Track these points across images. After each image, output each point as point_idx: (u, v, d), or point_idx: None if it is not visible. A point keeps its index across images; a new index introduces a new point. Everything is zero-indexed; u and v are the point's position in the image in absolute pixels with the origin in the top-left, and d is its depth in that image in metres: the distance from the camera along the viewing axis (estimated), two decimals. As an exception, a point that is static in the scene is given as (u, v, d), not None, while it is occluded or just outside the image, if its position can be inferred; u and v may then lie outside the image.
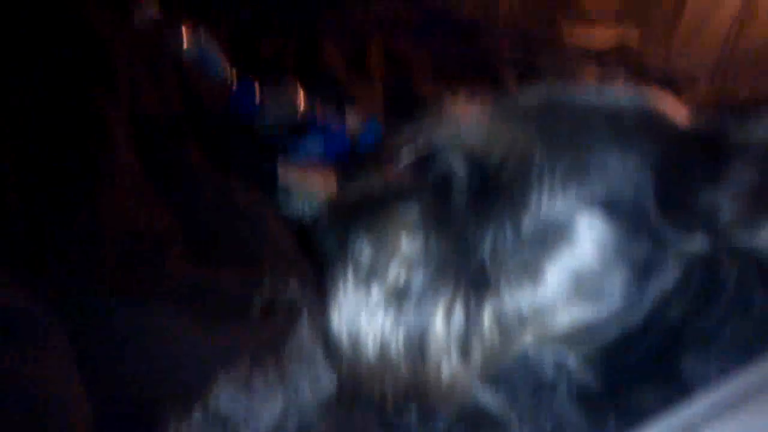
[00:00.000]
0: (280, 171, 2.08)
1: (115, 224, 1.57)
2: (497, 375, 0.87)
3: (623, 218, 0.79)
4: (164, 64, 2.25)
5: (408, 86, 2.98)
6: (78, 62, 1.92)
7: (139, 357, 1.27)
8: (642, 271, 0.80)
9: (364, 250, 0.86)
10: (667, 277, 0.80)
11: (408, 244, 0.85)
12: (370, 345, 0.84)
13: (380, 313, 0.84)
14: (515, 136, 0.82)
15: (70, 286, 1.38)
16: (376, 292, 0.85)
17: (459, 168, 0.85)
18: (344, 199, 0.94)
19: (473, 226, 0.82)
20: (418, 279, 0.84)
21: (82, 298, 1.33)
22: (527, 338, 0.84)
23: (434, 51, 3.69)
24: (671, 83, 3.32)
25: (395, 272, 0.84)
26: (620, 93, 0.84)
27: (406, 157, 0.91)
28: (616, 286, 0.80)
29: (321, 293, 0.88)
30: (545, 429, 0.86)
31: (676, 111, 0.84)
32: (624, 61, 3.94)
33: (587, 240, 0.79)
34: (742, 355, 0.81)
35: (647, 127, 0.81)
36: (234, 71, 2.67)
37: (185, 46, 2.59)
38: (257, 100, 2.32)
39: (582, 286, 0.80)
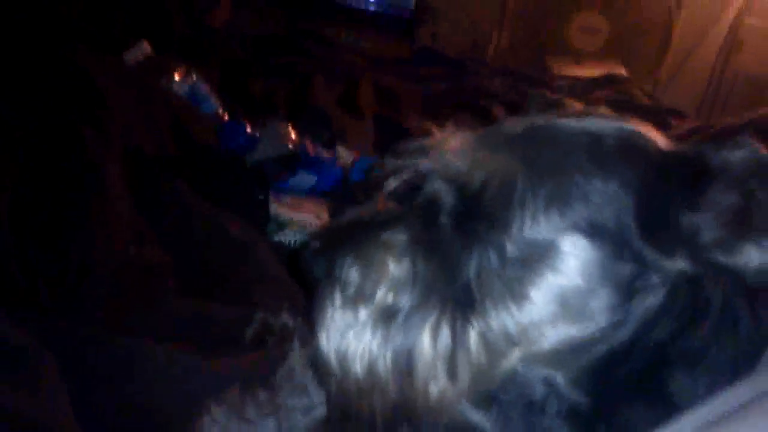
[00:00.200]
0: (272, 204, 2.09)
1: (107, 257, 1.58)
2: (488, 393, 0.88)
3: (606, 240, 0.80)
4: (155, 101, 2.27)
5: (398, 122, 3.01)
6: (70, 100, 1.95)
7: (131, 387, 1.26)
8: (626, 291, 0.81)
9: (351, 272, 0.87)
10: (652, 297, 0.81)
11: (395, 267, 0.86)
12: (358, 364, 0.85)
13: (368, 333, 0.85)
14: (498, 162, 0.83)
15: (63, 319, 1.38)
16: (364, 313, 0.86)
17: (444, 193, 0.87)
18: (333, 224, 0.96)
19: (458, 249, 0.84)
20: (405, 300, 0.85)
21: (74, 330, 1.33)
22: (514, 357, 0.84)
23: (424, 88, 3.73)
24: (658, 114, 3.36)
25: (383, 294, 0.85)
26: (601, 120, 0.86)
27: (393, 183, 0.92)
28: (600, 306, 0.81)
29: (311, 319, 0.90)
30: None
31: (655, 136, 0.86)
32: (613, 90, 3.99)
33: (571, 261, 0.80)
34: (730, 373, 0.82)
35: (628, 152, 0.82)
36: (225, 109, 2.69)
37: (176, 84, 2.61)
38: (247, 136, 2.34)
39: (567, 305, 0.81)
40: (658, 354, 0.82)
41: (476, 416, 0.88)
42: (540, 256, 0.80)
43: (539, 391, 0.87)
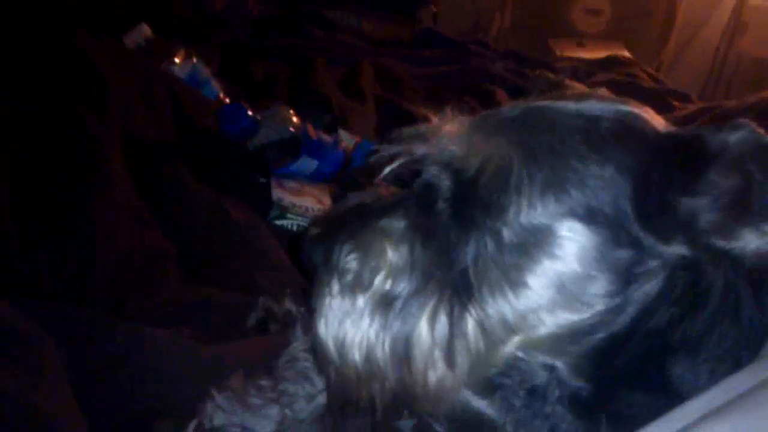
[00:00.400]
0: (274, 189, 2.09)
1: (109, 244, 1.58)
2: (490, 381, 0.88)
3: (603, 226, 0.79)
4: (156, 85, 2.26)
5: (399, 105, 3.00)
6: (70, 84, 1.94)
7: (134, 375, 1.27)
8: (624, 277, 0.80)
9: (349, 259, 0.87)
10: (651, 283, 0.81)
11: (392, 254, 0.87)
12: (356, 351, 0.86)
13: (366, 320, 0.85)
14: (495, 147, 0.83)
15: (65, 306, 1.38)
16: (362, 300, 0.86)
17: (441, 179, 0.86)
18: (331, 211, 0.96)
19: (456, 235, 0.84)
20: (403, 287, 0.85)
21: (77, 317, 1.33)
22: (512, 344, 0.84)
23: (426, 70, 3.72)
24: (661, 96, 3.34)
25: (380, 281, 0.86)
26: (599, 102, 0.85)
27: (391, 169, 0.92)
28: (598, 292, 0.80)
29: (311, 306, 0.90)
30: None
31: (653, 119, 0.86)
32: (616, 72, 3.97)
33: (568, 247, 0.80)
34: (732, 360, 0.82)
35: (625, 136, 0.81)
36: (226, 93, 2.69)
37: (177, 68, 2.60)
38: (248, 119, 2.33)
39: (564, 291, 0.80)
40: (658, 340, 0.82)
41: (479, 403, 0.89)
42: (537, 242, 0.80)
43: (541, 377, 0.87)
